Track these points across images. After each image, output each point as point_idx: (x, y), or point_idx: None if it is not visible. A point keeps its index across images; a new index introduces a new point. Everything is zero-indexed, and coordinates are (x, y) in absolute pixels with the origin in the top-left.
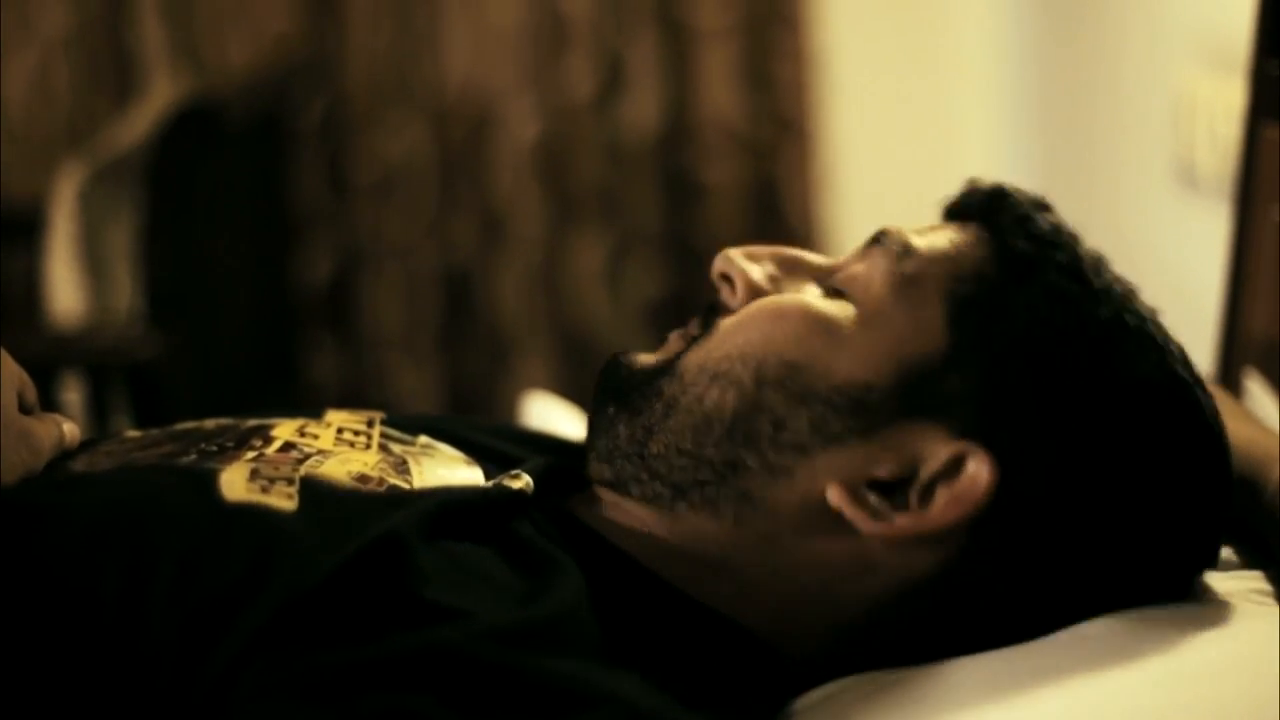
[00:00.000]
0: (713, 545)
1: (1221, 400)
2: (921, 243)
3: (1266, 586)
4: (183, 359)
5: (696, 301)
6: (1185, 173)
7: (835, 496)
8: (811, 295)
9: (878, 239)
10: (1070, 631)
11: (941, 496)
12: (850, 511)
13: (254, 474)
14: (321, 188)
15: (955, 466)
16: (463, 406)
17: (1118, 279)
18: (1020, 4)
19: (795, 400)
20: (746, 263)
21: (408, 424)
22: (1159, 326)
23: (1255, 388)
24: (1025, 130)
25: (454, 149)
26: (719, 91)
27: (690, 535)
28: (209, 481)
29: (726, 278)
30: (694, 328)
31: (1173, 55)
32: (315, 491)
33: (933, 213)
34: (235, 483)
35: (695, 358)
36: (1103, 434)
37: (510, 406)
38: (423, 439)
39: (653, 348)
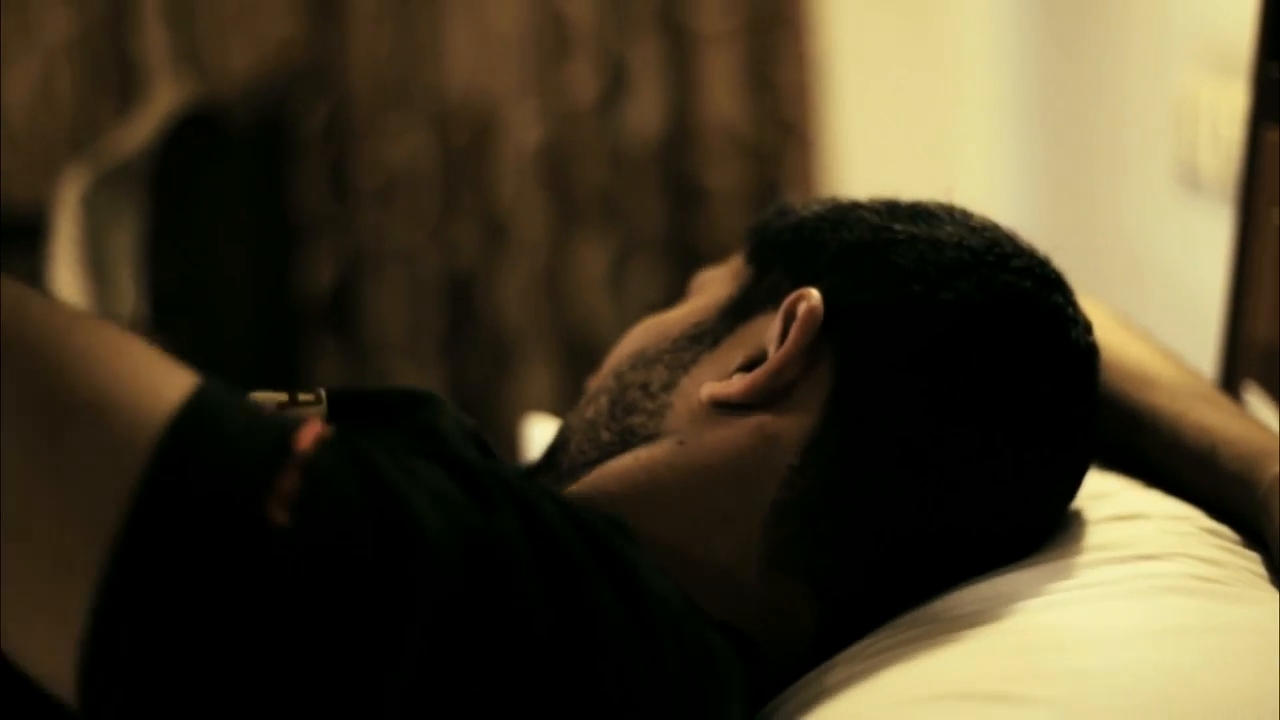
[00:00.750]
0: (639, 473)
1: (1217, 396)
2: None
3: (1260, 570)
4: (186, 364)
5: None
6: (1187, 175)
7: (708, 390)
8: None
9: None
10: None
11: (789, 341)
12: (724, 388)
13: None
14: (324, 192)
15: (791, 320)
16: (466, 411)
17: None
18: (1022, 7)
19: (649, 366)
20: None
21: None
22: None
23: (1254, 399)
24: (1027, 133)
25: (456, 154)
26: (721, 96)
27: (620, 476)
28: None
29: None
30: None
31: (1175, 58)
32: (340, 398)
33: None
34: (265, 405)
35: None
36: (899, 246)
37: (513, 412)
38: None
39: None
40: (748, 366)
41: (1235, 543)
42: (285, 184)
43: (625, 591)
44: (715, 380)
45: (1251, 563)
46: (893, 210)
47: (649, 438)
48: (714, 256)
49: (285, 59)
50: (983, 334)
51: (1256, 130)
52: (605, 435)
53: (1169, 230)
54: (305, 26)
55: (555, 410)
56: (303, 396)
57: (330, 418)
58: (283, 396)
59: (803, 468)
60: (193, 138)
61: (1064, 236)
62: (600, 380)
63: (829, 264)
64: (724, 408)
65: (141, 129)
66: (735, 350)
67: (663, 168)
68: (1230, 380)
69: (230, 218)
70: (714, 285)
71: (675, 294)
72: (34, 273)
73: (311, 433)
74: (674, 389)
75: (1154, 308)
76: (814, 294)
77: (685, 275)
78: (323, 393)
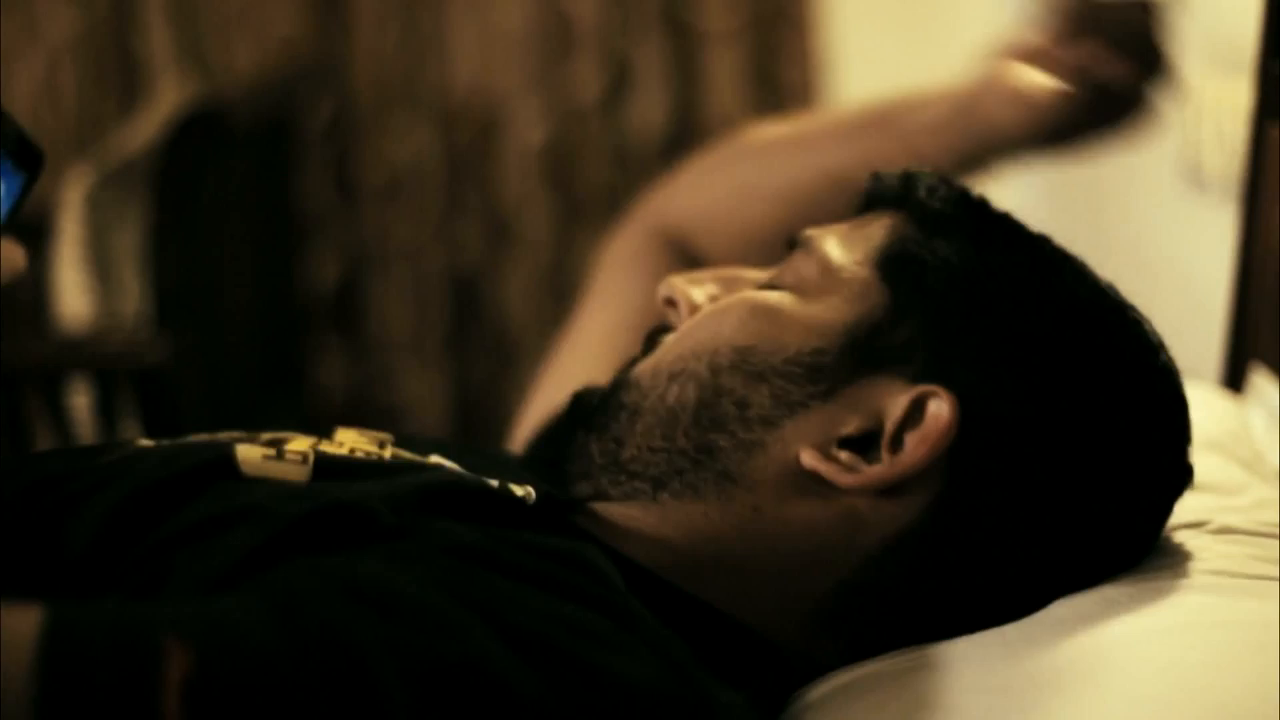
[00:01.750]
0: (704, 528)
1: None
2: (829, 232)
3: (1267, 553)
4: (190, 363)
5: None
6: (1192, 173)
7: (809, 459)
8: (749, 291)
9: (793, 242)
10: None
11: (910, 442)
12: (825, 469)
13: (269, 444)
14: (328, 191)
15: (917, 410)
16: (471, 410)
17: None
18: (1025, 5)
19: (753, 379)
20: (688, 286)
21: (419, 445)
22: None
23: (1261, 381)
24: None
25: (461, 152)
26: (725, 93)
27: (679, 523)
28: (227, 454)
29: (671, 302)
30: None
31: (1179, 55)
32: (327, 463)
33: None
34: (251, 457)
35: (647, 365)
36: (1050, 353)
37: (517, 409)
38: (434, 457)
39: None
40: (859, 439)
41: (1247, 539)
42: (290, 182)
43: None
44: (820, 440)
45: (1262, 561)
46: (1072, 298)
47: (727, 477)
48: None
49: (289, 57)
50: (1118, 485)
51: (1261, 127)
52: (682, 441)
53: (1174, 228)
54: (309, 25)
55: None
56: (289, 451)
57: (314, 479)
58: (269, 450)
59: (882, 560)
60: (197, 136)
61: (1069, 233)
62: (690, 358)
63: (976, 354)
64: (818, 479)
65: (146, 128)
66: (849, 411)
67: (666, 166)
68: (1235, 378)
69: (235, 216)
70: (835, 287)
71: None
72: (38, 272)
73: (175, 677)
74: (773, 429)
75: (1159, 305)
76: (948, 408)
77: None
78: (311, 455)
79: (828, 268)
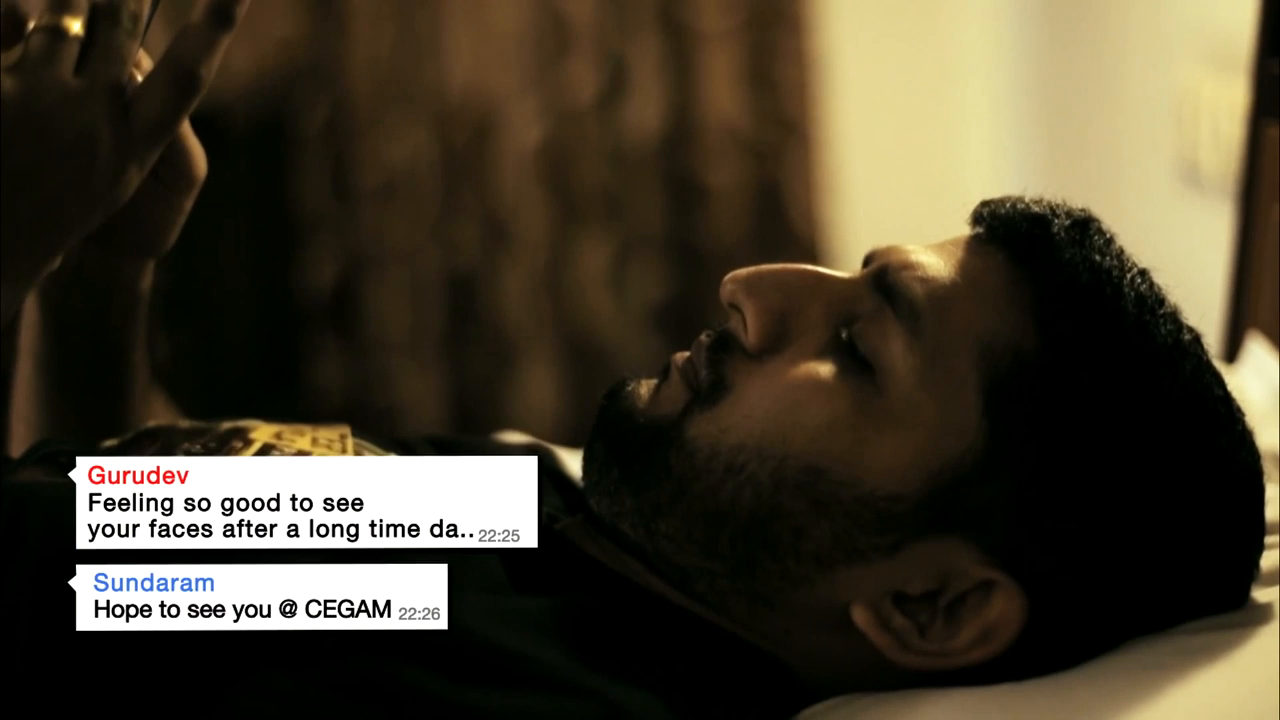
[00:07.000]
0: (725, 626)
1: None
2: (932, 302)
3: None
4: (186, 363)
5: (700, 304)
6: (1188, 172)
7: (861, 619)
8: (829, 372)
9: (885, 286)
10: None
11: (969, 626)
12: (876, 637)
13: None
14: (325, 192)
15: (984, 587)
16: (467, 410)
17: (1171, 317)
18: (1023, 5)
19: (816, 509)
20: (751, 298)
21: (377, 441)
22: (1214, 377)
23: (1257, 348)
24: (1028, 130)
25: (457, 153)
26: (722, 94)
27: (706, 635)
28: None
29: (735, 306)
30: (699, 359)
31: (1175, 55)
32: None
33: (935, 214)
34: None
35: (705, 432)
36: (1147, 550)
37: (514, 410)
38: (394, 455)
39: (657, 352)
40: (921, 597)
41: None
42: (285, 183)
43: None
44: (875, 596)
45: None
46: (1214, 498)
47: (763, 600)
48: (715, 254)
49: (285, 58)
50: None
51: (1257, 127)
52: (724, 546)
53: (1170, 227)
54: (305, 26)
55: (555, 410)
56: None
57: None
58: None
59: (917, 681)
60: None
61: None
62: (753, 455)
63: (1063, 543)
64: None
65: None
66: (911, 570)
67: (663, 166)
68: None
69: (231, 217)
70: (930, 406)
71: (676, 292)
72: None
73: None
74: (826, 571)
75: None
76: (1017, 613)
77: (686, 273)
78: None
79: (921, 366)
